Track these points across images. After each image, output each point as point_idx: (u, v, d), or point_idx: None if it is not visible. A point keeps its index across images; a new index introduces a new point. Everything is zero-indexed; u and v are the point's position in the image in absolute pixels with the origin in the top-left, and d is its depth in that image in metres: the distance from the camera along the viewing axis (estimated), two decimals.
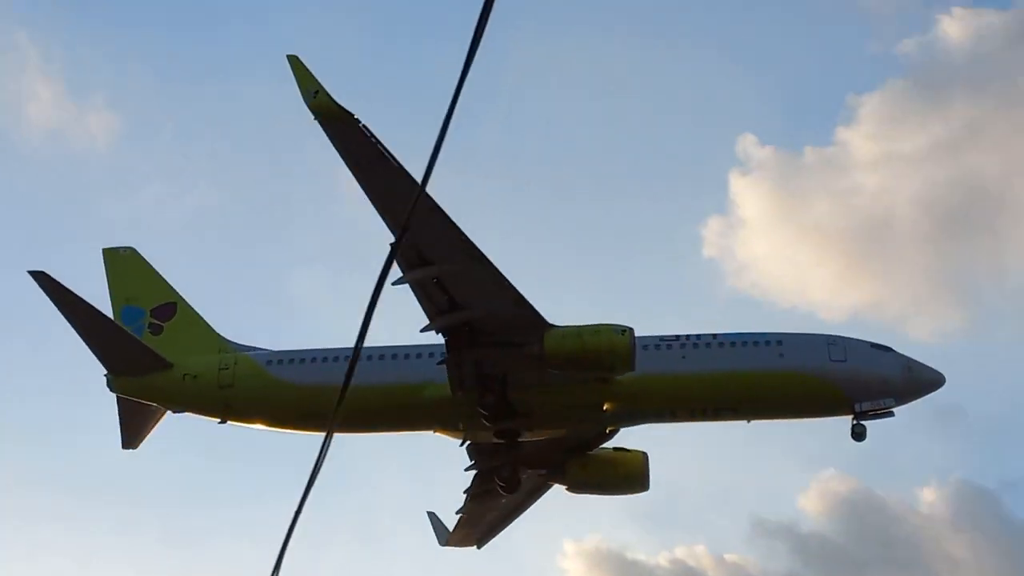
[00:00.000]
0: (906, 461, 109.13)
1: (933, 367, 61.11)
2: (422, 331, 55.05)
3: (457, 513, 66.66)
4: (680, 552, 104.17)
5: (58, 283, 57.91)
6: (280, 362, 61.83)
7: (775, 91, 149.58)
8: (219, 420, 61.72)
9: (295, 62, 47.67)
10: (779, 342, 59.86)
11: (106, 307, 64.81)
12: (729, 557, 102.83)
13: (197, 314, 66.00)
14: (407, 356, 60.21)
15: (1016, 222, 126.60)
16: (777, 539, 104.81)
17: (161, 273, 68.05)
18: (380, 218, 50.11)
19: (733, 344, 59.79)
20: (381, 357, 59.68)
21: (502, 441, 60.55)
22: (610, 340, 54.38)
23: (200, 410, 62.13)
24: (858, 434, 59.17)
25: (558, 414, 59.44)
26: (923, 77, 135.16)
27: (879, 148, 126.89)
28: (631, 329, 54.77)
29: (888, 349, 60.81)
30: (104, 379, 62.12)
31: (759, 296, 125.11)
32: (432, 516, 70.58)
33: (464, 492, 65.43)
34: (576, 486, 63.83)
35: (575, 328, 54.93)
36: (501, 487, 62.45)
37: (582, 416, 59.89)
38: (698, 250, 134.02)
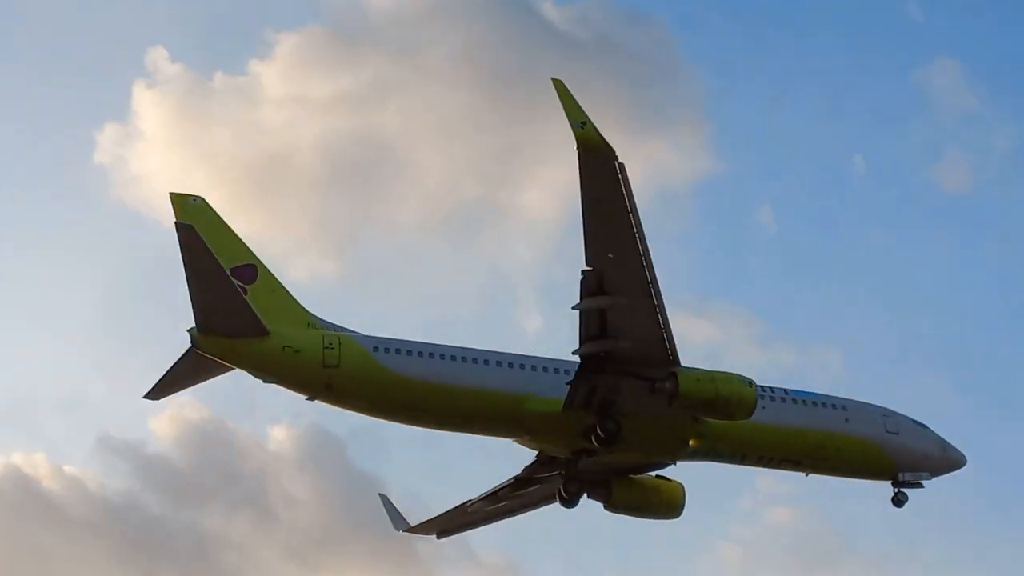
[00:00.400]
0: (264, 398, 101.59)
1: (958, 448, 67.72)
2: (573, 353, 57.91)
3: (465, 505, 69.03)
4: (17, 458, 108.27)
5: (200, 238, 57.56)
6: (387, 350, 60.38)
7: (197, 9, 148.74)
8: (307, 397, 61.31)
9: (560, 88, 49.61)
10: (844, 407, 65.01)
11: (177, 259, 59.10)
12: (68, 469, 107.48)
13: (278, 281, 62.43)
14: (511, 365, 61.37)
15: (405, 181, 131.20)
16: (121, 457, 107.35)
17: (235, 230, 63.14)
18: (584, 243, 52.83)
19: (805, 403, 64.18)
20: (486, 362, 61.00)
21: (572, 457, 62.99)
22: (740, 391, 58.18)
23: (293, 385, 60.83)
24: (900, 502, 65.98)
25: (651, 444, 62.03)
26: (343, 28, 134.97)
27: (288, 88, 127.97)
28: (754, 381, 59.03)
29: (925, 427, 67.01)
30: (188, 333, 59.03)
31: (147, 213, 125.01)
32: (384, 498, 73.81)
33: (483, 493, 67.89)
34: (618, 507, 65.63)
35: (708, 373, 58.38)
36: (563, 499, 65.05)
37: (669, 449, 62.77)
38: (89, 155, 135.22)
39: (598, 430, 59.61)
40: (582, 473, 63.93)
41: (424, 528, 71.99)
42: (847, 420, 64.58)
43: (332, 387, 59.69)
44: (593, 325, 56.31)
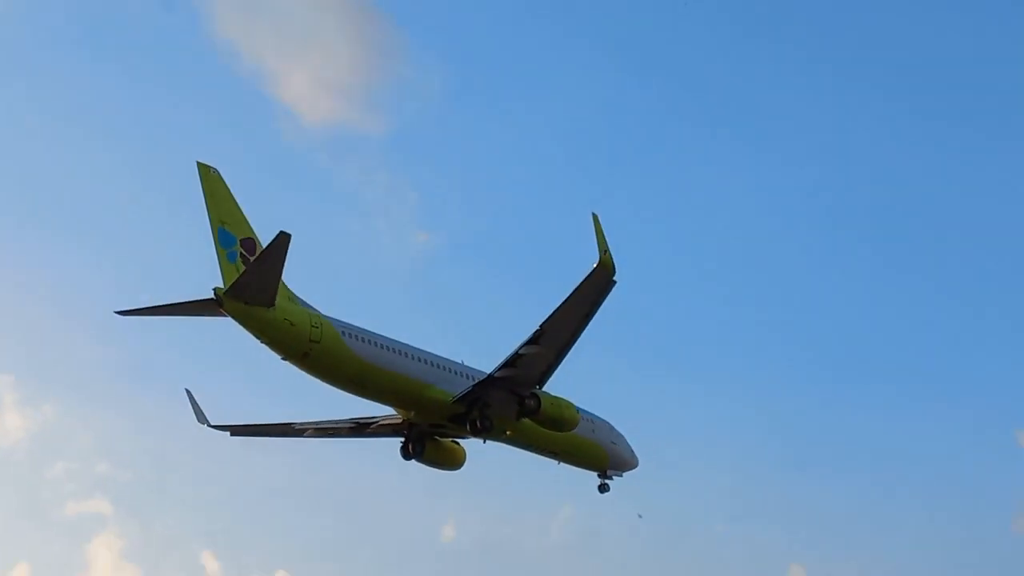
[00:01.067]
0: None
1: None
2: (490, 374, 77.19)
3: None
4: None
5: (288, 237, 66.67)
6: (352, 336, 74.97)
7: None
8: (283, 358, 73.35)
9: (596, 221, 68.03)
10: (592, 421, 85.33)
11: (203, 220, 71.82)
12: None
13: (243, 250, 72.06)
14: (428, 362, 78.47)
15: None
16: None
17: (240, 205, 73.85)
18: (552, 314, 71.28)
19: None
20: (414, 358, 77.84)
21: (428, 428, 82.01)
22: (573, 415, 79.41)
23: (280, 348, 72.89)
24: (603, 490, 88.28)
25: (490, 430, 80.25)
26: None
27: None
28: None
29: (622, 436, 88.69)
30: (213, 291, 69.86)
31: None
32: (189, 393, 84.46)
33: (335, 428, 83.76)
34: (425, 460, 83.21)
35: (557, 399, 78.73)
36: (407, 454, 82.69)
37: (495, 435, 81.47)
38: None
39: (477, 422, 78.77)
40: (417, 436, 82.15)
41: (226, 428, 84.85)
42: (593, 431, 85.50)
43: (309, 356, 73.25)
44: (513, 359, 75.18)
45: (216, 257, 71.16)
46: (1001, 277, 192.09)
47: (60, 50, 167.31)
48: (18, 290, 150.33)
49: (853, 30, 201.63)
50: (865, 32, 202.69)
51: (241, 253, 71.40)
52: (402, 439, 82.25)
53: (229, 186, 73.43)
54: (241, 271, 70.36)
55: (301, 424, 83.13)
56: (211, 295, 69.88)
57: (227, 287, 69.88)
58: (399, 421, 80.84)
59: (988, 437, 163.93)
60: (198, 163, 71.96)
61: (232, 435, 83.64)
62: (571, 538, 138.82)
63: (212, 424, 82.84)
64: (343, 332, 73.97)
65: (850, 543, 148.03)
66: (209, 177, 72.07)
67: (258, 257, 69.86)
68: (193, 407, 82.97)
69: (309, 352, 72.62)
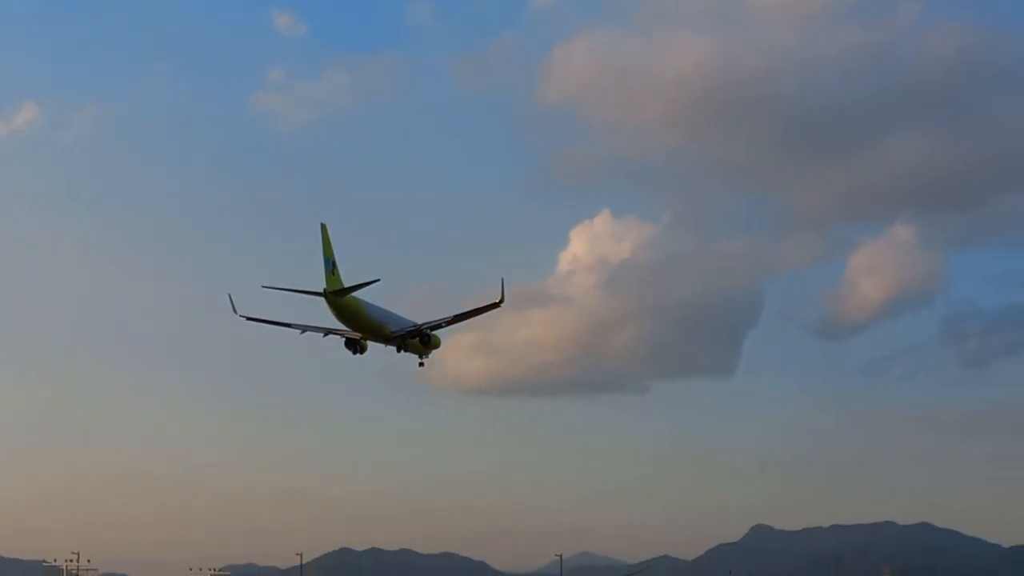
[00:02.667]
0: None
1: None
2: (417, 327, 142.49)
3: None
4: None
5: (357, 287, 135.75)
6: (365, 306, 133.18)
7: None
8: (336, 317, 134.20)
9: (503, 284, 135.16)
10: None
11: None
12: None
13: (337, 267, 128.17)
14: (390, 317, 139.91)
15: None
16: None
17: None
18: (453, 318, 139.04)
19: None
20: (387, 315, 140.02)
21: (383, 342, 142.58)
22: (439, 341, 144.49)
23: (339, 316, 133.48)
24: (422, 365, 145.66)
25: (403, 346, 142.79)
26: None
27: None
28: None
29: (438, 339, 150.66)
30: (323, 291, 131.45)
31: None
32: (229, 296, 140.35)
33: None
34: (363, 350, 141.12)
35: (436, 335, 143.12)
36: (354, 345, 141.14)
37: (404, 349, 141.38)
38: None
39: (402, 346, 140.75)
40: (363, 344, 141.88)
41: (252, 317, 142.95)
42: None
43: (349, 319, 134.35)
44: (423, 327, 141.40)
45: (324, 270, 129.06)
46: None
47: None
48: None
49: None
50: None
51: (333, 266, 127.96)
52: (352, 344, 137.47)
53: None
54: (333, 282, 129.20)
55: (298, 324, 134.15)
56: (321, 291, 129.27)
57: (329, 288, 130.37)
58: (358, 336, 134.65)
59: None
60: (322, 224, 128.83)
61: (247, 320, 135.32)
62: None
63: (240, 314, 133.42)
64: (363, 304, 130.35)
65: None
66: (324, 230, 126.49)
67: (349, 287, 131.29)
68: (231, 305, 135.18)
69: (353, 317, 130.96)
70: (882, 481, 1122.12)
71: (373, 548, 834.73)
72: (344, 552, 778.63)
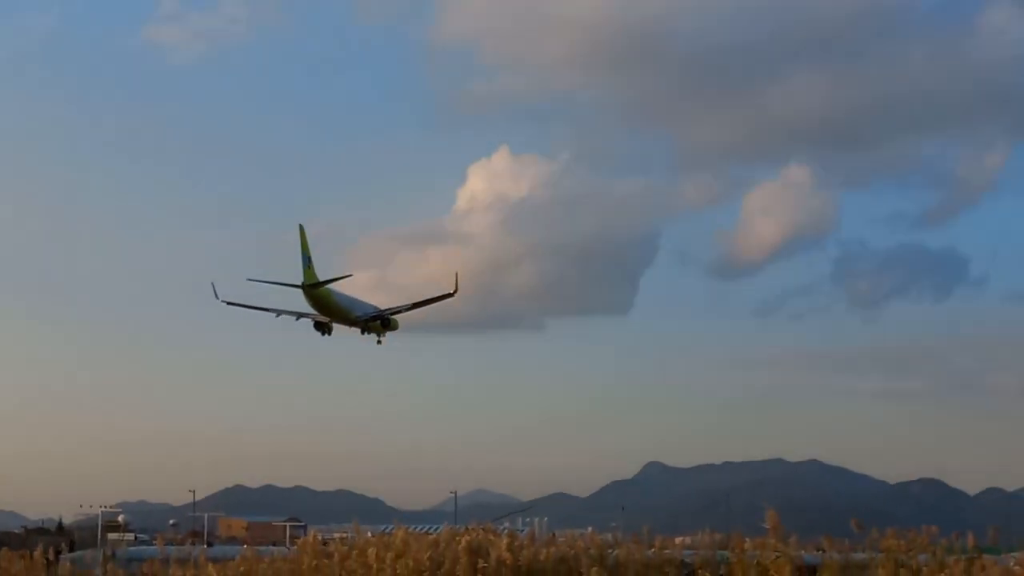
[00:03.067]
0: None
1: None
2: (380, 312, 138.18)
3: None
4: None
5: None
6: (335, 295, 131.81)
7: None
8: (311, 304, 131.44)
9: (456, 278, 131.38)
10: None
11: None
12: None
13: (312, 263, 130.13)
14: (356, 303, 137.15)
15: None
16: None
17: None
18: (412, 305, 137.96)
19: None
20: (351, 302, 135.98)
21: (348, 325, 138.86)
22: (397, 324, 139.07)
23: (314, 305, 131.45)
24: (380, 344, 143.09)
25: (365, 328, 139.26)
26: None
27: None
28: None
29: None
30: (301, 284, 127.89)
31: None
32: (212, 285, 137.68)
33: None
34: (330, 331, 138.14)
35: (395, 319, 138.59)
36: (322, 327, 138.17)
37: (367, 331, 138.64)
38: None
39: (365, 328, 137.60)
40: (330, 326, 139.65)
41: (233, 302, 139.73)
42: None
43: (322, 306, 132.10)
44: (385, 311, 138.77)
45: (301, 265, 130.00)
46: None
47: None
48: None
49: None
50: None
51: (310, 263, 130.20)
52: (321, 327, 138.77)
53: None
54: (309, 275, 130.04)
55: (273, 309, 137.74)
56: (299, 283, 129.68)
57: (306, 282, 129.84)
58: (326, 319, 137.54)
59: None
60: (300, 224, 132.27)
61: (227, 304, 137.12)
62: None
63: (222, 299, 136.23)
64: (333, 294, 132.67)
65: None
66: (302, 230, 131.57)
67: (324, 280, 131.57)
68: (214, 291, 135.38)
69: (324, 305, 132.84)
70: (772, 419, 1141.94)
71: (267, 485, 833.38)
72: (238, 489, 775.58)
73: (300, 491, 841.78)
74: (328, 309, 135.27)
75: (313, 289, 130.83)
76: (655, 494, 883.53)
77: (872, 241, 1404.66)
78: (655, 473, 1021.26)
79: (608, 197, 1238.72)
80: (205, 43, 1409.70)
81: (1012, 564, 43.56)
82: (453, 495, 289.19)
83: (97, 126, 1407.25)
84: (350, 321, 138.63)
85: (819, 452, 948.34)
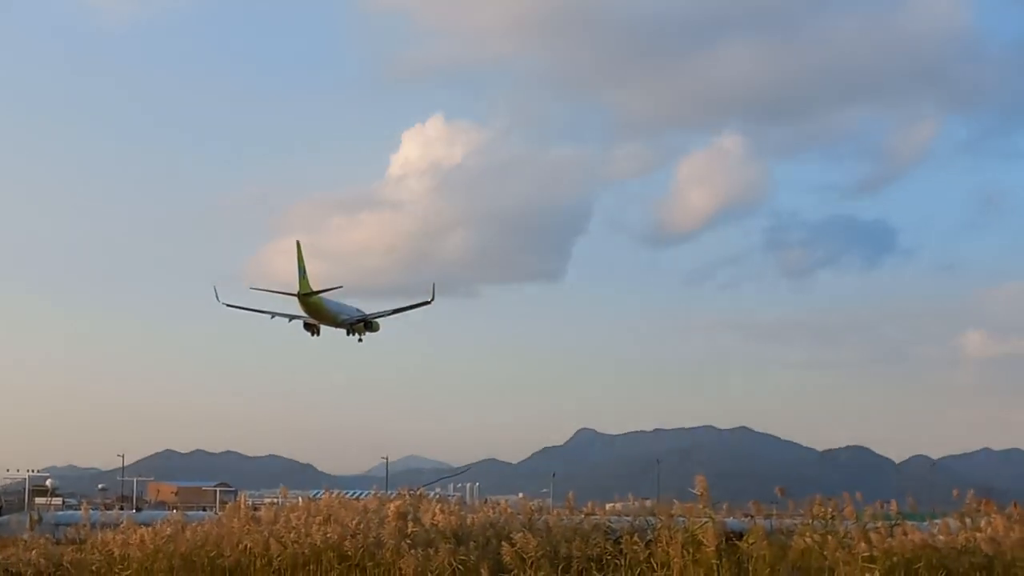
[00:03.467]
0: None
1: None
2: (363, 316, 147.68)
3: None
4: None
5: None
6: (325, 301, 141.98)
7: None
8: (304, 311, 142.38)
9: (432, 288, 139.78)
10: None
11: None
12: None
13: (307, 274, 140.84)
14: (342, 308, 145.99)
15: None
16: None
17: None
18: (391, 311, 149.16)
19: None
20: (338, 307, 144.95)
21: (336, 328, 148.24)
22: (379, 326, 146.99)
23: (308, 311, 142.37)
24: (360, 341, 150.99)
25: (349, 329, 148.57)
26: None
27: None
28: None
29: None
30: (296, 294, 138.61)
31: None
32: (214, 288, 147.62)
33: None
34: (318, 332, 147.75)
35: (376, 323, 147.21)
36: (312, 328, 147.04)
37: (351, 332, 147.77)
38: None
39: (348, 330, 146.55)
40: (318, 327, 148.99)
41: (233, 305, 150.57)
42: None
43: (313, 312, 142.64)
44: (368, 316, 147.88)
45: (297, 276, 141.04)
46: None
47: None
48: None
49: None
50: None
51: (304, 273, 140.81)
52: (310, 328, 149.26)
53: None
54: (304, 285, 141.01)
55: (267, 311, 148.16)
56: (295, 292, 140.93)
57: (301, 291, 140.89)
58: (315, 322, 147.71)
59: None
60: (297, 240, 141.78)
61: (227, 306, 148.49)
62: None
63: (223, 302, 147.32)
64: (324, 301, 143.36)
65: None
66: (299, 246, 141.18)
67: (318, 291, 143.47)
68: (215, 294, 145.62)
69: (316, 310, 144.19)
70: (703, 387, 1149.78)
71: (198, 450, 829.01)
72: (168, 454, 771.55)
73: (231, 456, 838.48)
74: (319, 314, 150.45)
75: (307, 297, 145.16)
76: (586, 460, 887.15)
77: (803, 211, 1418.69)
78: (586, 440, 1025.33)
79: (542, 164, 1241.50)
80: (137, 5, 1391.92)
81: (935, 530, 44.13)
82: (384, 461, 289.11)
83: (20, 89, 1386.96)
84: (337, 324, 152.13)
85: (749, 420, 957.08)
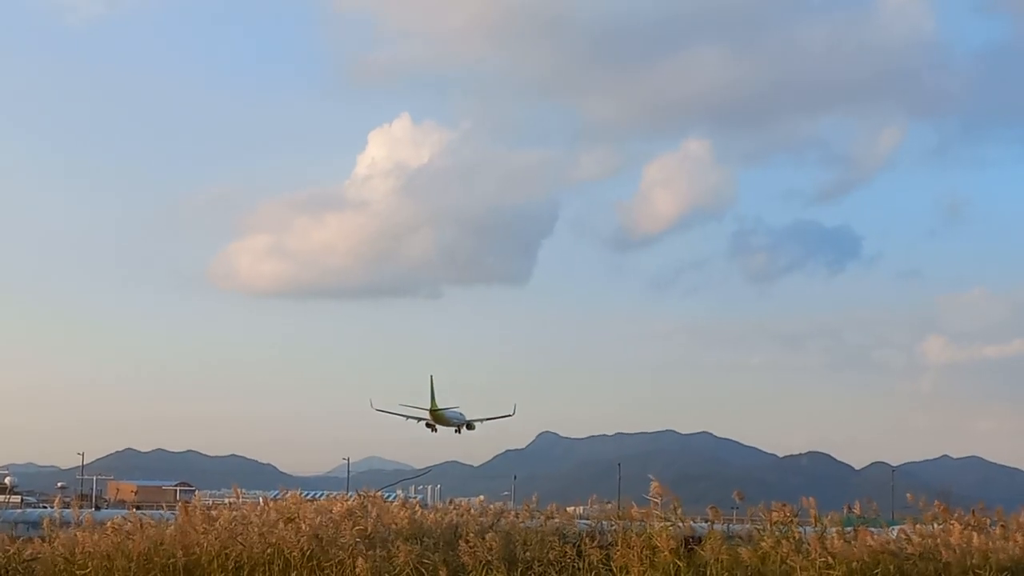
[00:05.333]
0: None
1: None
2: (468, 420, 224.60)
3: None
4: None
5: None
6: (442, 411, 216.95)
7: None
8: (433, 421, 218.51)
9: (431, 379, 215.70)
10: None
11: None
12: None
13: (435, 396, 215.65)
14: (452, 413, 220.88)
15: None
16: None
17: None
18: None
19: None
20: (449, 412, 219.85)
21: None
22: (475, 426, 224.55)
23: (436, 420, 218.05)
24: (458, 432, 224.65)
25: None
26: None
27: None
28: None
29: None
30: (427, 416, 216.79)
31: None
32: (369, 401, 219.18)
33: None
34: (438, 429, 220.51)
35: (474, 424, 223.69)
36: (432, 427, 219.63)
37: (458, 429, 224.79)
38: None
39: (458, 429, 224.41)
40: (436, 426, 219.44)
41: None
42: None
43: (436, 419, 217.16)
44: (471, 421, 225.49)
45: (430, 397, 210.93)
46: None
47: None
48: None
49: None
50: None
51: (433, 396, 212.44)
52: (430, 426, 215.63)
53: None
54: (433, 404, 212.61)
55: (404, 414, 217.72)
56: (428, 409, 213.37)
57: (432, 408, 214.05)
58: (436, 424, 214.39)
59: None
60: (430, 375, 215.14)
61: (378, 411, 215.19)
62: None
63: (375, 407, 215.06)
64: (444, 412, 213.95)
65: None
66: (432, 380, 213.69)
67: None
68: (370, 402, 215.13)
69: (439, 419, 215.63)
70: (665, 391, 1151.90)
71: (158, 449, 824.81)
72: (128, 453, 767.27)
73: (191, 456, 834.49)
74: (441, 421, 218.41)
75: (435, 412, 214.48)
76: (548, 464, 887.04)
77: (768, 217, 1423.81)
78: (548, 443, 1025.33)
79: (508, 167, 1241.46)
80: (104, 5, 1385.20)
81: (894, 535, 44.34)
82: (346, 462, 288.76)
83: None
84: (450, 425, 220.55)
85: (710, 424, 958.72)
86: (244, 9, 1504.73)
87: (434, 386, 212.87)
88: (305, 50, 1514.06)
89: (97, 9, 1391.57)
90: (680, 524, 42.82)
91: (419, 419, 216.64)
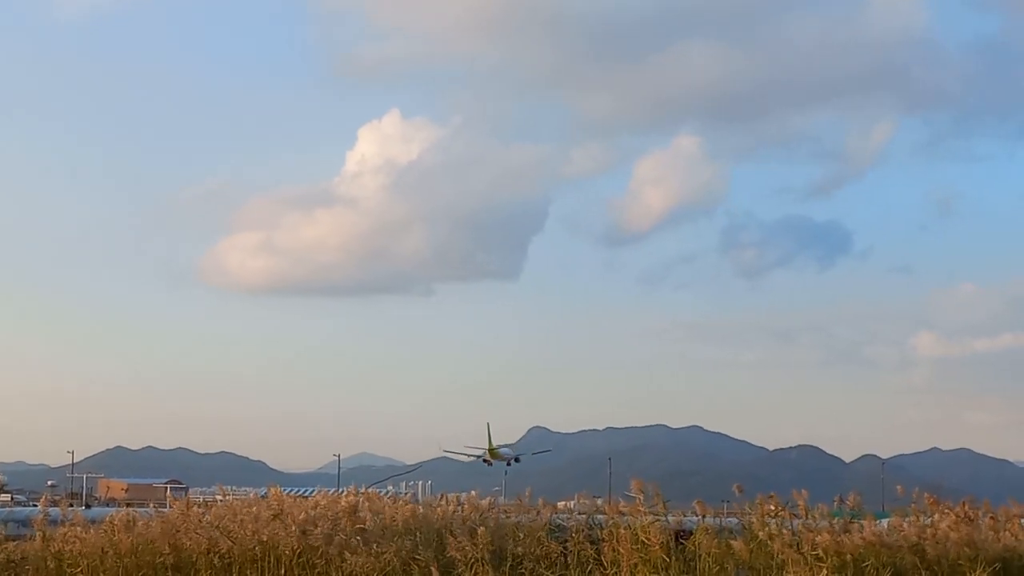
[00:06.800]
0: None
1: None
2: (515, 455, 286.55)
3: None
4: None
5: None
6: (497, 452, 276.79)
7: None
8: (491, 459, 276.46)
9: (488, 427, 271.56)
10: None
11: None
12: None
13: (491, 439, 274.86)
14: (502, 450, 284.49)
15: None
16: None
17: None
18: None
19: None
20: (499, 449, 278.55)
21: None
22: (520, 460, 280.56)
23: (494, 458, 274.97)
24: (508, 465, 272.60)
25: None
26: None
27: None
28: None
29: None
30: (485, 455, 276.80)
31: None
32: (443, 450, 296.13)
33: None
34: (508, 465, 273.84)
35: (520, 458, 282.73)
36: (488, 462, 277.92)
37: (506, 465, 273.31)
38: None
39: (508, 463, 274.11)
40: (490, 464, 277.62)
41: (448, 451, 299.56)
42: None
43: (492, 456, 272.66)
44: (518, 455, 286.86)
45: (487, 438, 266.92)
46: None
47: None
48: None
49: None
50: None
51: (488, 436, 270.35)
52: (487, 462, 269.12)
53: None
54: (491, 444, 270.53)
55: (466, 455, 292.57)
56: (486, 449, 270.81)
57: (489, 448, 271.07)
58: (492, 461, 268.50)
59: None
60: (487, 423, 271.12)
61: (445, 451, 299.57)
62: None
63: (444, 450, 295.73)
64: (499, 450, 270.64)
65: None
66: (488, 427, 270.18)
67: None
68: (439, 446, 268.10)
69: (495, 456, 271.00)
70: (655, 385, 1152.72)
71: (148, 447, 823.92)
72: (118, 451, 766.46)
73: (182, 453, 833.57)
74: (496, 458, 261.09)
75: (493, 451, 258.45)
76: (538, 458, 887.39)
77: (759, 212, 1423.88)
78: (538, 438, 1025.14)
79: (499, 163, 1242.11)
80: (91, 1, 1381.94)
81: (884, 529, 44.34)
82: (336, 458, 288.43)
83: None
84: (502, 460, 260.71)
85: (700, 419, 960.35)
86: (233, 5, 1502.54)
87: (490, 431, 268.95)
88: (296, 46, 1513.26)
89: (85, 5, 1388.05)
90: (668, 518, 42.75)
91: (480, 457, 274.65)
